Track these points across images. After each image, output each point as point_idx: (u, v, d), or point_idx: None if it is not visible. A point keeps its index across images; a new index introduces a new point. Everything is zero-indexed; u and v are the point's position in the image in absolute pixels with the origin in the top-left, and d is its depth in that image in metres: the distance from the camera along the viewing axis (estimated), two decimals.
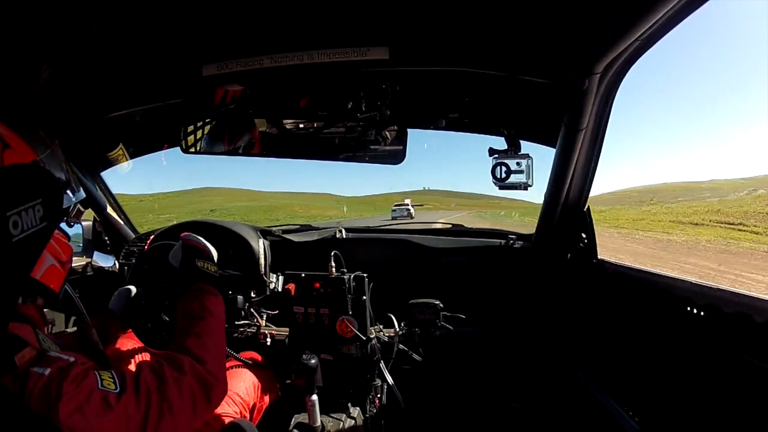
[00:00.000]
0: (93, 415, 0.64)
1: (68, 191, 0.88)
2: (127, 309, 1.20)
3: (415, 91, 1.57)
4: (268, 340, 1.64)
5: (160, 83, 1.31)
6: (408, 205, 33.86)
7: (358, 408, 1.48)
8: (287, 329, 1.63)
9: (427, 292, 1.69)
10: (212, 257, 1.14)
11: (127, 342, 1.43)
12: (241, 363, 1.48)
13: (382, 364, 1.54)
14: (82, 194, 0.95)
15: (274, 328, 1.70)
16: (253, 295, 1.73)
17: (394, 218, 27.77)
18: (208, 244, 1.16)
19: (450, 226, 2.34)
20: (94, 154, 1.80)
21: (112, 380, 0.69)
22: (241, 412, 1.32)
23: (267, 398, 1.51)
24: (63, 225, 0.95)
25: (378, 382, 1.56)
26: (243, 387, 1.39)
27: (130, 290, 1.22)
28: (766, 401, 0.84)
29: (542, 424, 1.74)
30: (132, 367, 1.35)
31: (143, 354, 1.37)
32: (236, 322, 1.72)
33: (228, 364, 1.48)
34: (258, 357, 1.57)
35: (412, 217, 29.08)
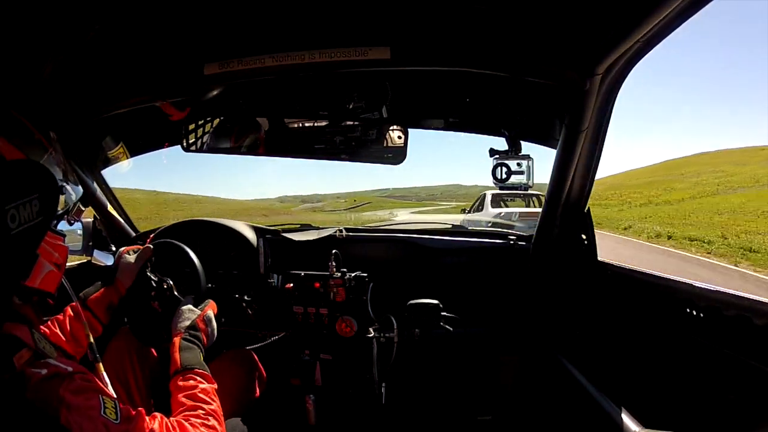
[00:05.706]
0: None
1: (66, 189, 0.89)
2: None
3: (416, 91, 1.57)
4: (267, 339, 1.64)
5: (161, 81, 1.31)
6: None
7: None
8: (286, 329, 1.63)
9: (426, 292, 1.69)
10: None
11: (122, 343, 1.43)
12: (226, 359, 1.47)
13: (375, 368, 1.53)
14: (80, 191, 0.95)
15: (273, 328, 1.69)
16: (251, 295, 1.73)
17: None
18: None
19: (450, 226, 2.34)
20: (95, 152, 1.80)
21: (114, 410, 0.71)
22: (230, 405, 1.31)
23: (254, 393, 1.49)
24: (62, 224, 0.96)
25: (376, 382, 1.56)
26: (227, 382, 1.37)
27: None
28: (765, 403, 0.84)
29: (542, 426, 1.73)
30: (125, 372, 1.35)
31: (137, 357, 1.37)
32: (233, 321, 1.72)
33: (212, 361, 1.48)
34: (245, 352, 1.55)
35: None
